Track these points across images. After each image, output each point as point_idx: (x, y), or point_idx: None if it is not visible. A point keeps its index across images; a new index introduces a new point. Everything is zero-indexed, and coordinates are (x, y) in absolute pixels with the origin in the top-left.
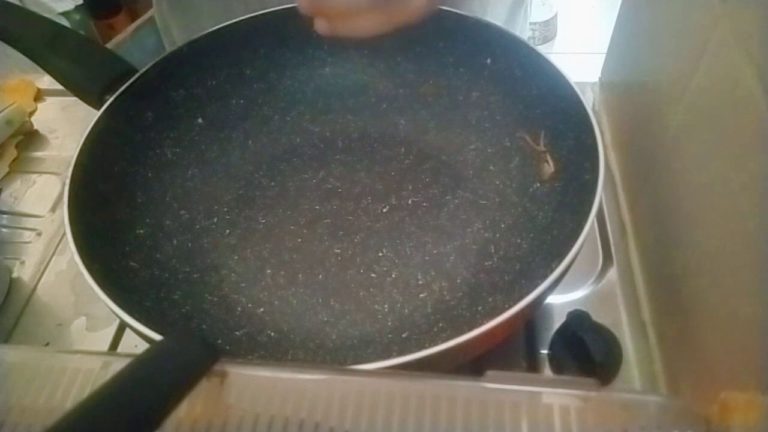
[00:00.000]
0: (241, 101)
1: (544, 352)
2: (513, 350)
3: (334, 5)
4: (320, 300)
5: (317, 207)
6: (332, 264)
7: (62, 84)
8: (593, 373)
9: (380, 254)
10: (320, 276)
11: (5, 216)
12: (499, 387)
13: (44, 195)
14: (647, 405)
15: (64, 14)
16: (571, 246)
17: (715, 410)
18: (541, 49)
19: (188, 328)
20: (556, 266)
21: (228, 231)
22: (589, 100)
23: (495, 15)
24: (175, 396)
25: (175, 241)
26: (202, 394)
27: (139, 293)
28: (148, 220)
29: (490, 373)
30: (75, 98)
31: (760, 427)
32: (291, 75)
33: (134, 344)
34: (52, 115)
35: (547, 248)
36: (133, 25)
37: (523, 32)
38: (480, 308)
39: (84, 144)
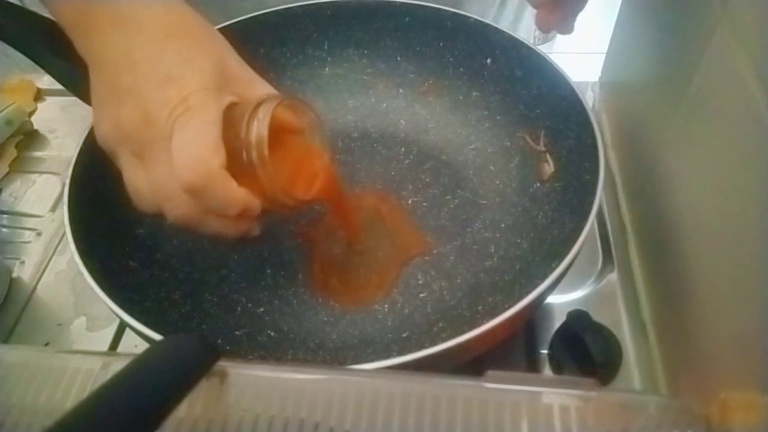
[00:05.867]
0: None
1: (544, 352)
2: (513, 350)
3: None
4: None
5: (317, 207)
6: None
7: (62, 84)
8: (593, 373)
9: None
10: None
11: (5, 216)
12: (499, 387)
13: (44, 195)
14: (647, 405)
15: None
16: (571, 246)
17: (715, 410)
18: (541, 49)
19: (188, 328)
20: (556, 266)
21: None
22: (589, 100)
23: (502, 16)
24: (175, 396)
25: (175, 241)
26: (202, 394)
27: (139, 293)
28: (148, 220)
29: (490, 373)
30: (75, 98)
31: (761, 427)
32: (291, 75)
33: (134, 344)
34: (52, 115)
35: (547, 248)
36: None
37: (529, 33)
38: (480, 308)
39: (84, 144)
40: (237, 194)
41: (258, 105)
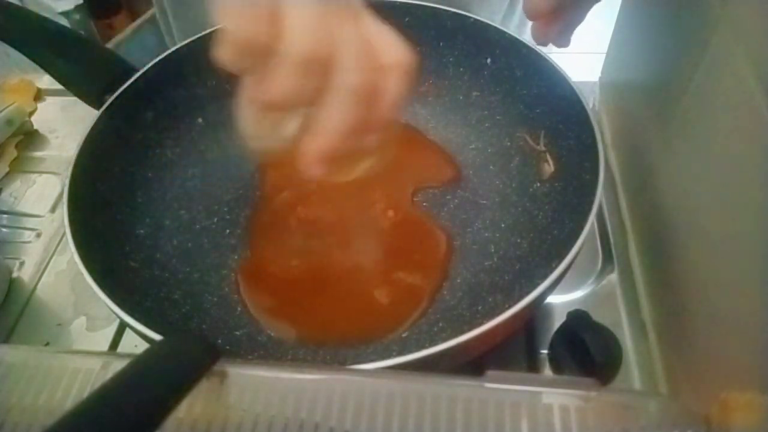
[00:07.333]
0: None
1: (544, 352)
2: (513, 350)
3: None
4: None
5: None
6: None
7: (62, 84)
8: (593, 373)
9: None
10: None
11: (5, 216)
12: (499, 387)
13: (44, 195)
14: (647, 405)
15: (64, 14)
16: (571, 246)
17: (715, 410)
18: (541, 49)
19: (188, 328)
20: (556, 266)
21: (228, 231)
22: (589, 100)
23: (509, 22)
24: (175, 396)
25: (175, 241)
26: (202, 394)
27: (139, 293)
28: (148, 220)
29: (490, 373)
30: (75, 98)
31: (760, 427)
32: None
33: (134, 344)
34: (52, 115)
35: (547, 248)
36: (133, 25)
37: (521, 32)
38: (480, 308)
39: (84, 144)
40: None
41: None
